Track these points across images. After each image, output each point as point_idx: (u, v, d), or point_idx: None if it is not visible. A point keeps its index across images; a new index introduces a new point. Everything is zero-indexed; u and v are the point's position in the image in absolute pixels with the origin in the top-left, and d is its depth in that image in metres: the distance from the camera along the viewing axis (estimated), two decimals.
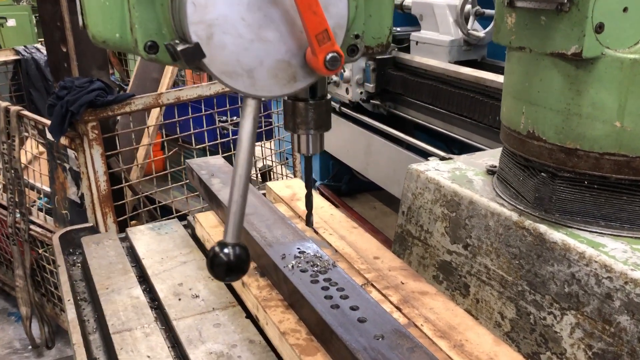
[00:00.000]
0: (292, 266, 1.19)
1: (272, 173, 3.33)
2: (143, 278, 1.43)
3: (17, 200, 2.58)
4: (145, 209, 2.45)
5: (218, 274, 0.86)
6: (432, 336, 1.06)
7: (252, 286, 1.25)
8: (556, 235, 1.19)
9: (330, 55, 0.70)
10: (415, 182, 1.59)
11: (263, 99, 0.77)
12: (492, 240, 1.34)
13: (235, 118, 2.71)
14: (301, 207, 1.67)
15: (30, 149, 2.86)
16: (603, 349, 1.08)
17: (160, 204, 2.48)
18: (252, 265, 1.34)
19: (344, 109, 3.80)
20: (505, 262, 1.30)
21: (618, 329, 1.06)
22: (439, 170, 1.57)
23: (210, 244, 1.51)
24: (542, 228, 1.22)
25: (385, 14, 0.96)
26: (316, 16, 0.66)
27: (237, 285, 1.32)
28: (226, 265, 0.84)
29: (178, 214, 2.39)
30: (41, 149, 3.07)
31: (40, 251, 2.67)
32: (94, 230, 1.71)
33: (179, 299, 1.30)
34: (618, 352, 1.05)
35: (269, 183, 1.86)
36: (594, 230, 1.19)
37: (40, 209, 2.84)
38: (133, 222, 2.44)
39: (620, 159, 1.14)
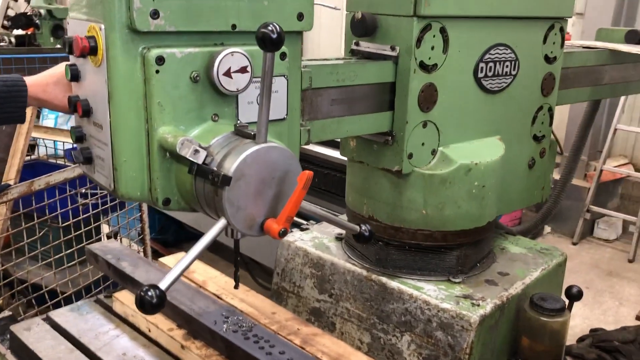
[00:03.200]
0: (225, 329, 1.65)
1: (119, 236, 3.59)
2: (88, 354, 1.73)
3: None
4: (17, 288, 2.59)
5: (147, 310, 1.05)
6: None
7: (191, 347, 1.67)
8: (393, 283, 1.83)
9: (283, 229, 1.19)
10: (287, 250, 2.13)
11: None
12: (350, 290, 1.94)
13: (92, 197, 2.97)
14: (198, 277, 2.10)
15: None
16: (428, 354, 1.74)
17: (25, 285, 2.63)
18: (184, 331, 1.75)
19: None
20: (360, 304, 1.91)
21: (436, 340, 1.72)
22: (304, 239, 2.14)
23: (136, 319, 1.87)
24: (384, 279, 1.86)
25: None
26: (295, 207, 1.16)
27: (175, 349, 1.72)
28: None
29: (64, 295, 2.59)
30: None
31: None
32: (14, 319, 1.92)
33: None
34: (437, 355, 1.72)
35: (161, 259, 2.24)
36: (415, 278, 1.86)
37: None
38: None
39: (426, 232, 1.83)
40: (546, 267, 2.00)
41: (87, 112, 1.25)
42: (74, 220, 2.84)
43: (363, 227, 1.44)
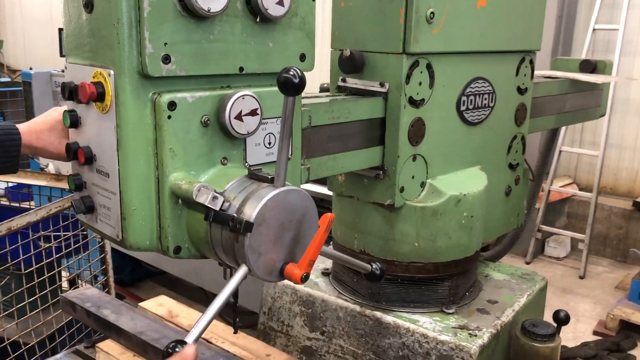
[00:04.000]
0: None
1: (79, 279, 3.43)
2: None
3: None
4: None
5: None
6: None
7: None
8: (388, 318, 1.83)
9: (305, 274, 1.18)
10: (273, 288, 2.09)
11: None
12: (344, 326, 1.92)
13: (55, 241, 2.84)
14: (183, 322, 2.03)
15: None
16: None
17: None
18: None
19: None
20: (355, 340, 1.89)
21: None
22: None
23: None
24: (378, 314, 1.85)
25: None
26: (317, 250, 1.14)
27: None
28: None
29: (27, 347, 2.43)
30: None
31: None
32: None
33: None
34: None
35: (141, 304, 2.15)
36: (409, 311, 1.86)
37: None
38: None
39: (419, 264, 1.84)
40: (531, 292, 2.05)
41: (89, 160, 1.20)
42: (37, 265, 2.70)
43: (374, 266, 1.44)
